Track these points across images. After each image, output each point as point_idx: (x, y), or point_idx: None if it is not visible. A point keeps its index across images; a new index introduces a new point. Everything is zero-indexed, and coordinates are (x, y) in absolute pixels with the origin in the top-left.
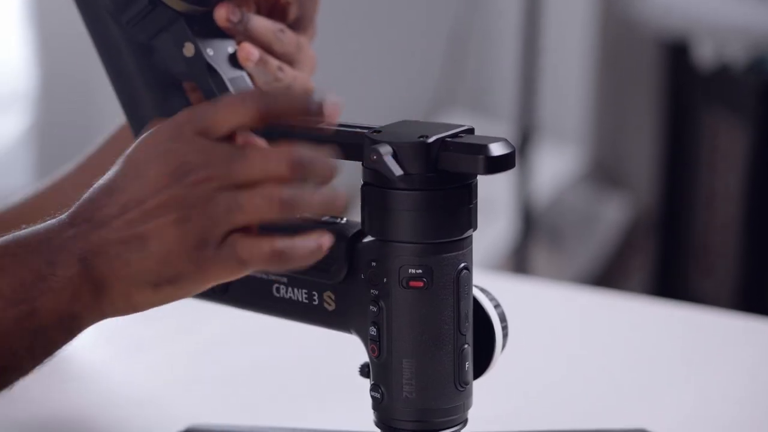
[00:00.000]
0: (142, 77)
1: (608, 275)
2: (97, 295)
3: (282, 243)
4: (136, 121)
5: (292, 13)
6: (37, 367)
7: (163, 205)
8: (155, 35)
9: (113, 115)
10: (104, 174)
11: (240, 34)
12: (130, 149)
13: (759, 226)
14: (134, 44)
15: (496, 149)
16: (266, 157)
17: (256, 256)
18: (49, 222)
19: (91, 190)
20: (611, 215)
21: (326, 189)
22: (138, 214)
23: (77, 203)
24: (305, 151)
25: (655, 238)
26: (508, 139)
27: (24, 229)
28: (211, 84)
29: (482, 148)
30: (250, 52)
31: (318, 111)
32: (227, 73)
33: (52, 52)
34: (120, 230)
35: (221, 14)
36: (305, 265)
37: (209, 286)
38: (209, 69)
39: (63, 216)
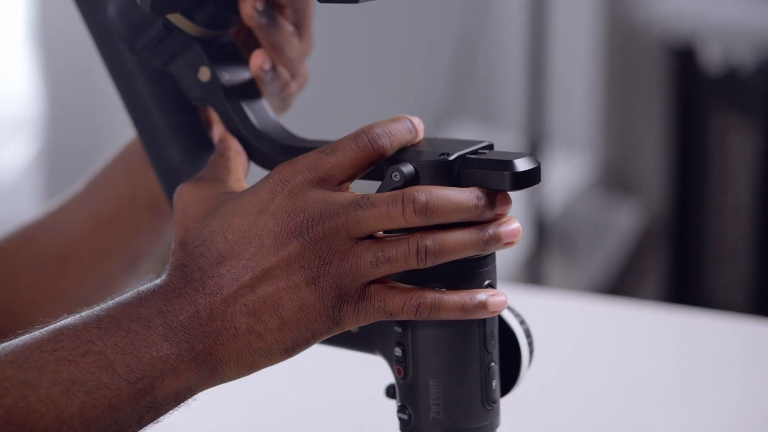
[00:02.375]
0: (156, 103)
1: (622, 282)
2: (218, 368)
3: (431, 296)
4: (152, 148)
5: (290, 17)
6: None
7: (289, 263)
8: (170, 60)
9: (120, 140)
10: (112, 190)
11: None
12: (218, 212)
13: None
14: (149, 70)
15: (522, 164)
16: (393, 199)
17: (407, 308)
18: (152, 286)
19: (176, 256)
20: (623, 222)
21: (473, 231)
22: (262, 278)
23: (171, 273)
24: (424, 189)
25: (667, 243)
26: (533, 154)
27: (118, 296)
28: (228, 108)
29: (507, 164)
30: (263, 60)
31: (416, 134)
32: (244, 96)
33: (59, 78)
34: (245, 300)
35: (256, 63)
36: (456, 318)
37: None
38: (226, 93)
39: (162, 284)
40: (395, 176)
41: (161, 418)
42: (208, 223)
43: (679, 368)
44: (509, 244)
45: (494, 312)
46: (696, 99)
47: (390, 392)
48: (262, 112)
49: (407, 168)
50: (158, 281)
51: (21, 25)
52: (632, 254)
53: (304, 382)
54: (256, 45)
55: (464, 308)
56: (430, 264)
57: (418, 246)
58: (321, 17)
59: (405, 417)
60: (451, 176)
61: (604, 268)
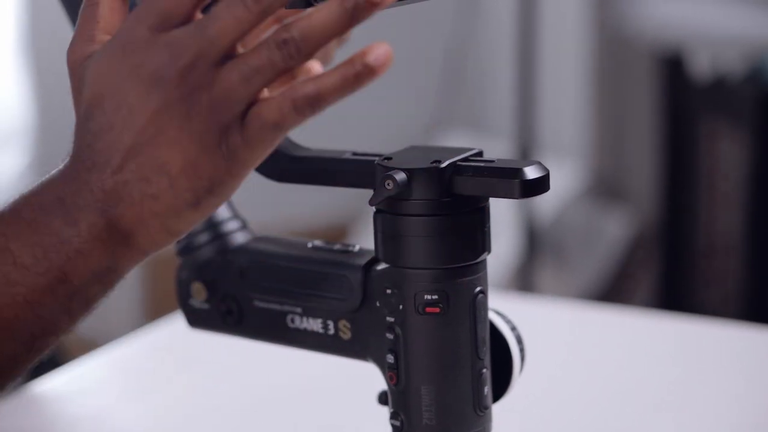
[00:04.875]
0: None
1: (613, 289)
2: (130, 241)
3: (312, 85)
4: None
5: None
6: (77, 324)
7: (161, 116)
8: None
9: None
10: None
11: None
12: (88, 84)
13: (761, 234)
14: None
15: (532, 172)
16: (232, 3)
17: (289, 112)
18: (52, 177)
19: (76, 138)
20: (614, 229)
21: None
22: (139, 140)
23: (72, 154)
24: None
25: (658, 250)
26: (541, 162)
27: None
28: None
29: (517, 172)
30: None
31: None
32: None
33: (50, 88)
34: (131, 165)
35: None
36: (348, 94)
37: (249, 173)
38: None
39: (63, 168)
40: (388, 184)
41: (97, 304)
42: (83, 96)
43: (670, 375)
44: (378, 4)
45: (380, 66)
46: (685, 107)
47: (382, 399)
48: None
49: (400, 176)
50: (60, 166)
51: (11, 35)
52: (623, 261)
53: (296, 390)
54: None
55: (348, 80)
56: (303, 56)
57: (278, 42)
58: None
59: (397, 423)
60: (443, 182)
61: (595, 275)
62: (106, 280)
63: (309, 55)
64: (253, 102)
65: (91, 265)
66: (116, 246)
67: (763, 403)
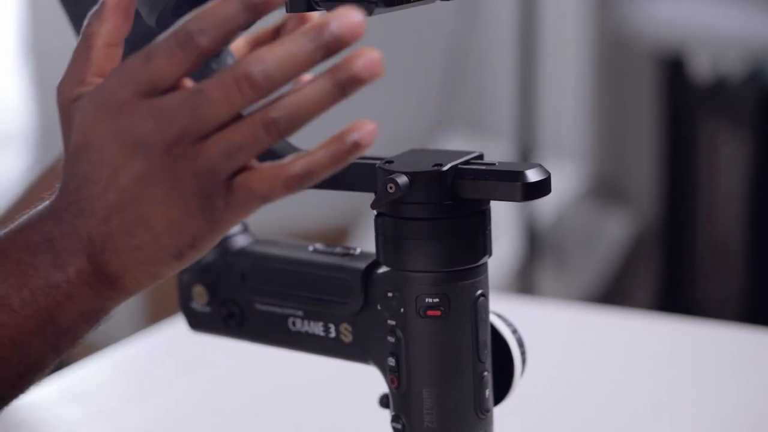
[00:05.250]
0: None
1: (614, 291)
2: (117, 284)
3: (302, 163)
4: None
5: None
6: (62, 357)
7: (145, 180)
8: None
9: None
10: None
11: None
12: (75, 129)
13: (762, 236)
14: None
15: (533, 175)
16: (225, 84)
17: (278, 188)
18: (40, 214)
19: (64, 175)
20: (614, 231)
21: (313, 85)
22: (124, 198)
23: (59, 192)
24: (254, 57)
25: (659, 251)
26: (542, 165)
27: (12, 224)
28: None
29: (519, 175)
30: None
31: (248, 16)
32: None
33: (50, 91)
34: (116, 218)
35: None
36: (333, 172)
37: (231, 228)
38: None
39: (51, 206)
40: (390, 187)
41: (83, 340)
42: (71, 138)
43: (670, 376)
44: (370, 77)
45: (367, 144)
46: (686, 108)
47: (384, 402)
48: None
49: (402, 179)
50: (48, 202)
51: (12, 37)
52: (624, 263)
53: (297, 393)
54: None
55: (337, 158)
56: (287, 134)
57: (264, 122)
58: None
59: (399, 427)
60: (445, 186)
61: (596, 276)
62: (92, 319)
63: (294, 132)
64: (239, 169)
65: (79, 307)
66: (103, 289)
67: (762, 405)
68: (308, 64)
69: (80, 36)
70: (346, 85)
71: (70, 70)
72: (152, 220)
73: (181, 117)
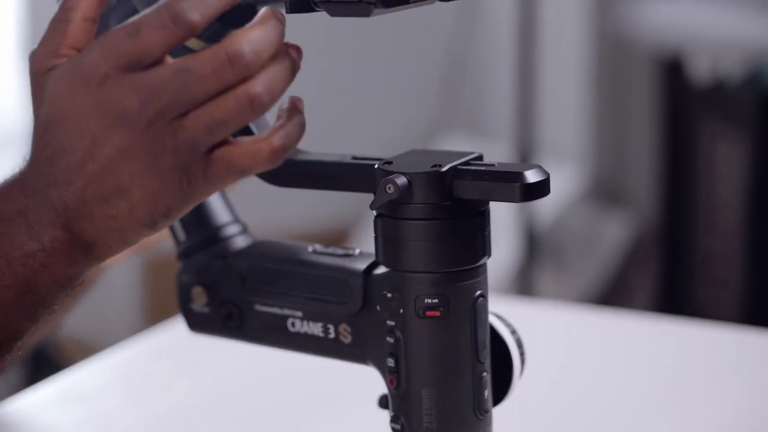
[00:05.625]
0: None
1: (613, 292)
2: (90, 251)
3: (280, 136)
4: None
5: None
6: (39, 324)
7: (126, 153)
8: None
9: None
10: None
11: None
12: (48, 100)
13: (761, 237)
14: None
15: (532, 176)
16: (217, 61)
17: (260, 162)
18: (12, 184)
19: (34, 146)
20: (614, 232)
21: (281, 62)
22: (104, 169)
23: (30, 162)
24: (241, 38)
25: (658, 253)
26: (541, 166)
27: None
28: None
29: (518, 176)
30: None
31: None
32: None
33: None
34: (93, 188)
35: None
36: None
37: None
38: None
39: (22, 176)
40: (389, 188)
41: (57, 306)
42: (43, 109)
43: (669, 378)
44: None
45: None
46: (685, 110)
47: (383, 402)
48: (263, 125)
49: (401, 180)
50: (17, 173)
51: (12, 41)
52: (623, 265)
53: (296, 393)
54: None
55: (302, 125)
56: (268, 108)
57: (249, 96)
58: (311, 31)
59: (398, 427)
60: (444, 186)
61: (595, 278)
62: (66, 285)
63: (271, 106)
64: (218, 143)
65: (55, 275)
66: (78, 256)
67: (761, 406)
68: (278, 46)
69: (59, 8)
70: (297, 60)
71: (45, 40)
72: (130, 191)
73: (167, 92)
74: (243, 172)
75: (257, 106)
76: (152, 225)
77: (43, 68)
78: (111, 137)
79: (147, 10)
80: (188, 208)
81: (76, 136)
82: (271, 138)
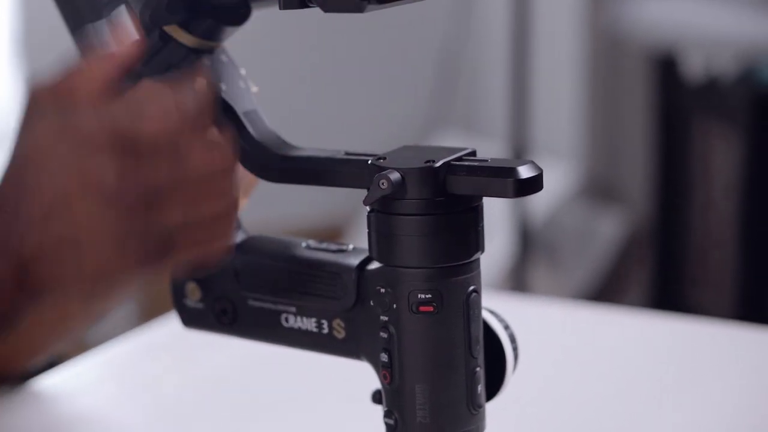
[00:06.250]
0: None
1: (606, 289)
2: (27, 291)
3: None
4: None
5: None
6: None
7: (94, 224)
8: (164, 72)
9: None
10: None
11: None
12: (34, 136)
13: (755, 235)
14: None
15: (525, 171)
16: (203, 153)
17: (213, 263)
18: None
19: (7, 172)
20: (607, 230)
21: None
22: (66, 230)
23: (4, 180)
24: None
25: (651, 250)
26: (534, 161)
27: None
28: (225, 119)
29: (511, 171)
30: None
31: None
32: (241, 107)
33: None
34: (49, 242)
35: None
36: None
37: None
38: (223, 104)
39: None
40: (383, 184)
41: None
42: (27, 139)
43: (662, 375)
44: None
45: None
46: (678, 108)
47: (376, 397)
48: (258, 121)
49: (394, 175)
50: None
51: (6, 35)
52: (616, 262)
53: (290, 389)
54: None
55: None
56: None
57: (228, 208)
58: (305, 30)
59: (391, 422)
60: (437, 182)
61: (589, 275)
62: (7, 321)
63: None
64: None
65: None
66: (22, 295)
67: (756, 403)
68: None
69: (87, 55)
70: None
71: (62, 82)
72: (84, 258)
73: (154, 175)
74: (205, 258)
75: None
76: (90, 296)
77: (44, 102)
78: (86, 204)
79: (166, 95)
80: (128, 290)
81: (50, 188)
82: (228, 234)
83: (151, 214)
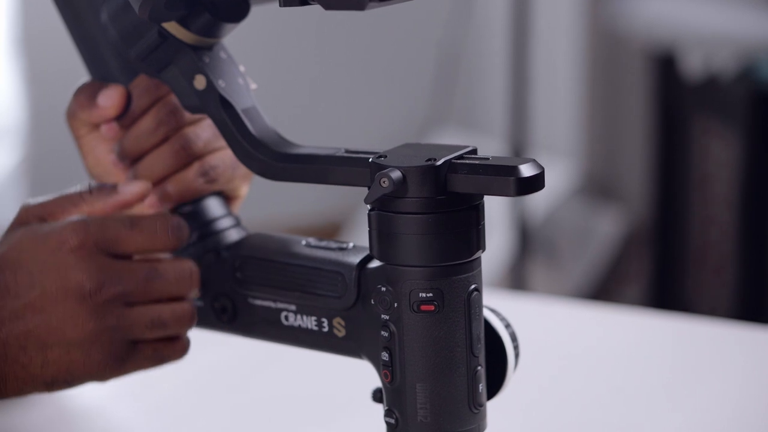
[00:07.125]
0: None
1: (605, 288)
2: None
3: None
4: None
5: None
6: None
7: (67, 319)
8: (163, 69)
9: None
10: None
11: None
12: (12, 243)
13: (753, 233)
14: (134, 76)
15: (527, 170)
16: (178, 273)
17: (175, 359)
18: None
19: None
20: (606, 228)
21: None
22: (39, 324)
23: None
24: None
25: (650, 248)
26: (536, 160)
27: None
28: (224, 115)
29: (513, 170)
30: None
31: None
32: (240, 104)
33: (41, 86)
34: (18, 334)
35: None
36: None
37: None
38: (222, 101)
39: None
40: (384, 182)
41: None
42: (7, 246)
43: (661, 372)
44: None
45: None
46: (677, 106)
47: (377, 396)
48: (257, 118)
49: (395, 174)
50: None
51: (3, 33)
52: (615, 260)
53: (290, 387)
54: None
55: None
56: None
57: (191, 310)
58: (305, 27)
59: (392, 421)
60: (438, 180)
61: (587, 273)
62: None
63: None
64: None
65: None
66: None
67: (754, 401)
68: None
69: (73, 190)
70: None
71: (50, 203)
72: (52, 350)
73: (131, 284)
74: (160, 363)
75: (189, 320)
76: (51, 386)
77: (28, 220)
78: (62, 300)
79: (151, 215)
80: (87, 383)
81: (27, 284)
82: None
83: (123, 311)
